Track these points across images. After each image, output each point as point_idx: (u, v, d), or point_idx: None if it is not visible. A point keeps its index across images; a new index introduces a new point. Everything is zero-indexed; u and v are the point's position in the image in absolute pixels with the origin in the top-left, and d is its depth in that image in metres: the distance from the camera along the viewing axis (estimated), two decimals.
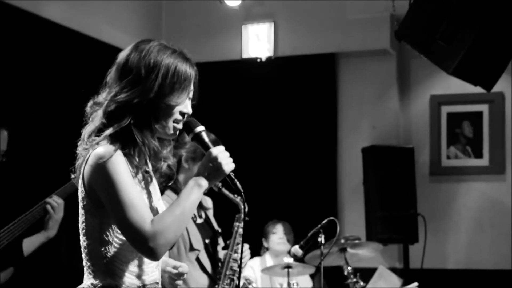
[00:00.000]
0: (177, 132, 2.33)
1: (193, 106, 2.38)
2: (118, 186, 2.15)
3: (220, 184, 3.94)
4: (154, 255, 2.16)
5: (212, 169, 2.27)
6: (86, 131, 2.27)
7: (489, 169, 6.35)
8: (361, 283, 4.81)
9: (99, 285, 2.24)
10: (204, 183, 2.26)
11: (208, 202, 4.17)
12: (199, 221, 3.98)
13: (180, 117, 2.30)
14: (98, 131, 2.24)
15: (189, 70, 2.28)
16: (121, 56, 2.29)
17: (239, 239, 4.00)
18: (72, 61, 5.37)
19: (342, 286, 4.95)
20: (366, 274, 5.34)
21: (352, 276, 4.80)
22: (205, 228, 4.01)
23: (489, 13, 4.17)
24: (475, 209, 6.37)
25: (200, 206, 4.05)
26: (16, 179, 4.46)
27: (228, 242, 4.03)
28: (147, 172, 2.32)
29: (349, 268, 4.82)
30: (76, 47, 5.52)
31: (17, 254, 3.78)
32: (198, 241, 3.89)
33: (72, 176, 3.78)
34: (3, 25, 4.92)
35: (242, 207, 4.01)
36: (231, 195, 3.98)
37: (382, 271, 5.61)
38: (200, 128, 2.34)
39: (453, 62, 4.23)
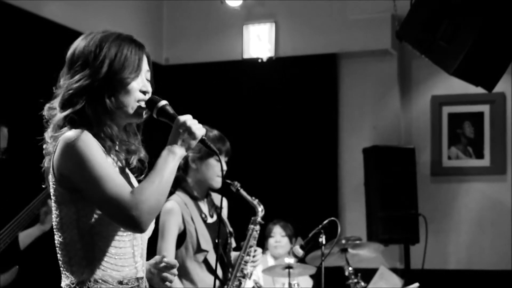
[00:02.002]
0: (143, 113, 2.29)
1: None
2: (91, 161, 2.10)
3: (238, 185, 3.90)
4: (138, 224, 2.09)
5: (183, 135, 2.22)
6: (48, 133, 2.25)
7: (490, 170, 6.34)
8: (362, 283, 4.81)
9: (81, 280, 2.16)
10: (178, 150, 2.21)
11: (223, 201, 4.12)
12: (210, 220, 3.93)
13: (142, 96, 2.26)
14: (60, 128, 2.22)
15: (137, 48, 2.27)
16: (69, 52, 2.31)
17: (253, 242, 3.96)
18: None
19: (343, 286, 4.94)
20: (367, 274, 5.34)
21: (353, 277, 4.80)
22: (215, 228, 3.97)
23: (490, 13, 4.17)
24: (476, 210, 6.36)
25: (212, 205, 4.02)
26: (15, 177, 4.44)
27: (242, 243, 3.99)
28: (118, 152, 2.28)
29: (350, 268, 4.82)
30: None
31: (15, 249, 3.76)
32: (207, 242, 3.84)
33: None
34: (3, 25, 4.92)
35: (259, 209, 3.98)
36: (248, 197, 3.92)
37: (383, 271, 5.61)
38: (164, 102, 2.29)
39: (454, 63, 4.22)
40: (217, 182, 3.88)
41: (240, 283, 3.89)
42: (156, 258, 2.40)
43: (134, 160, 2.34)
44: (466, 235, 6.37)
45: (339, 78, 6.65)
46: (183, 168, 3.88)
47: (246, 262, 3.90)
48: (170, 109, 2.28)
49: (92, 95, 2.20)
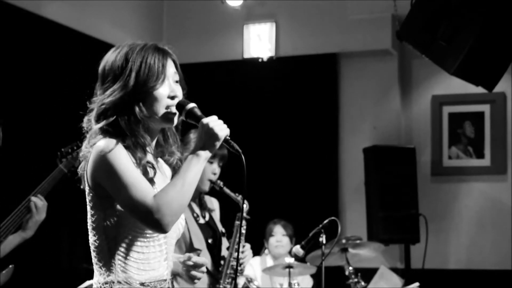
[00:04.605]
0: (174, 118, 2.36)
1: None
2: (120, 171, 2.21)
3: (221, 183, 3.95)
4: (161, 226, 2.20)
5: (206, 137, 2.30)
6: (86, 143, 2.35)
7: (490, 169, 6.34)
8: (362, 283, 4.81)
9: (106, 281, 2.28)
10: (202, 152, 2.29)
11: (214, 203, 4.16)
12: (201, 221, 3.97)
13: (170, 102, 2.34)
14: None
15: (160, 55, 2.35)
16: (100, 66, 2.40)
17: (240, 238, 3.99)
18: (72, 61, 5.37)
19: (343, 286, 4.95)
20: (367, 274, 5.34)
21: (353, 276, 4.80)
22: (207, 228, 4.00)
23: (490, 13, 4.16)
24: (476, 209, 6.36)
25: (204, 207, 4.05)
26: (9, 176, 4.43)
27: (229, 241, 4.03)
28: (149, 163, 2.34)
29: (350, 268, 4.82)
30: (77, 47, 5.53)
31: None
32: (199, 241, 3.88)
33: (59, 163, 3.75)
34: (4, 24, 4.92)
35: (243, 205, 4.00)
36: (232, 194, 3.97)
37: (383, 271, 5.61)
38: (192, 105, 2.36)
39: (454, 62, 4.22)
40: (205, 185, 3.98)
41: (232, 280, 3.91)
42: (185, 256, 2.52)
43: (174, 161, 2.46)
44: (466, 234, 6.37)
45: (339, 78, 6.65)
46: None
47: (235, 258, 3.93)
48: (197, 111, 2.36)
49: (123, 108, 2.30)
